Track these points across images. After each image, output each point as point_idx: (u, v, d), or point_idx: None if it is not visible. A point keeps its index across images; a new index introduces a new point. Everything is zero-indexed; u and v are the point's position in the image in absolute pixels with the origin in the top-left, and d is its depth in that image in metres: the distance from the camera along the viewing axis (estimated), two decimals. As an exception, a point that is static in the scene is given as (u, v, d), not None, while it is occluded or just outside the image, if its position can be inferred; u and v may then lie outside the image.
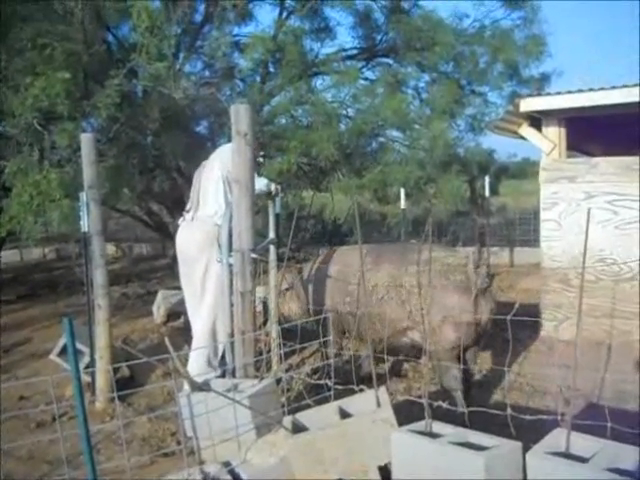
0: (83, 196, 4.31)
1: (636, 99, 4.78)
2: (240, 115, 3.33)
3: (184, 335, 5.26)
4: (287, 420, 2.90)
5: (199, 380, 3.79)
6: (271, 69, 9.69)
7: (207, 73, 9.49)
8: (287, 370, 4.45)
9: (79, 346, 4.35)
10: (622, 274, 5.11)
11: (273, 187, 4.58)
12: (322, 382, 3.14)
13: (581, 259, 5.14)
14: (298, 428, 2.85)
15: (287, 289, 4.81)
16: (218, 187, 4.34)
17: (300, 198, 10.66)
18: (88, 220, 4.32)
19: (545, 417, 2.54)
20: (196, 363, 4.20)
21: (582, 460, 2.25)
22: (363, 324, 3.98)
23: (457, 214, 12.23)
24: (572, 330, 5.19)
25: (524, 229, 11.86)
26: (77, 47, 6.06)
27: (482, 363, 4.67)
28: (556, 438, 2.42)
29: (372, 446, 2.66)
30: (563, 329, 5.30)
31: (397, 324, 3.97)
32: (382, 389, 2.91)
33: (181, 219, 4.56)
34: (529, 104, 5.36)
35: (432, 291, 3.63)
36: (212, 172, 4.39)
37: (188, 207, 4.52)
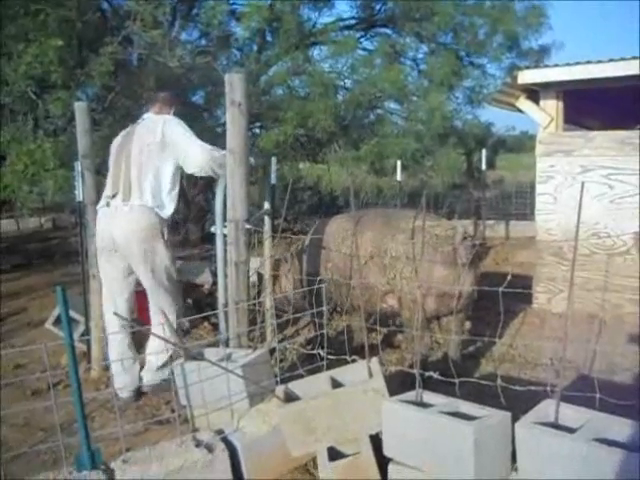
0: (78, 165, 4.29)
1: (635, 72, 4.75)
2: (234, 84, 3.30)
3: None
4: (280, 389, 2.93)
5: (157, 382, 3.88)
6: (268, 38, 9.61)
7: (203, 42, 9.41)
8: (281, 340, 4.48)
9: (74, 315, 4.37)
10: (616, 248, 5.13)
11: (252, 161, 4.06)
12: (315, 352, 3.16)
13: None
14: (290, 397, 2.88)
15: (278, 259, 4.82)
16: (175, 180, 3.87)
17: (296, 169, 10.63)
18: (83, 189, 4.30)
19: (535, 388, 2.57)
20: (157, 359, 3.88)
21: (570, 430, 2.28)
22: (344, 291, 4.02)
23: (453, 187, 12.25)
24: (565, 303, 5.23)
25: (521, 202, 11.89)
26: (71, 14, 5.97)
27: (474, 334, 4.71)
28: (545, 409, 2.45)
29: (363, 416, 2.69)
30: (556, 302, 5.34)
31: (376, 290, 3.99)
32: (374, 360, 2.94)
33: (101, 204, 3.92)
34: (527, 76, 5.31)
35: (417, 262, 3.65)
36: (153, 155, 3.78)
37: (111, 192, 3.85)
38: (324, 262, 4.43)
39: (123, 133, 4.04)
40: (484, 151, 9.79)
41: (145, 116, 4.06)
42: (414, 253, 3.72)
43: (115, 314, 3.65)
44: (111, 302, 3.98)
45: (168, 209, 3.85)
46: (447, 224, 4.04)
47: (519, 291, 2.84)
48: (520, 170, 18.50)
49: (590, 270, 5.13)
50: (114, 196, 3.84)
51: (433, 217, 4.36)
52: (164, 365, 3.86)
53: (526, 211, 11.18)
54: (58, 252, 9.59)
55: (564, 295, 5.25)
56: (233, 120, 3.30)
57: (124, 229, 3.75)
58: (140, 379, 3.95)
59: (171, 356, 3.82)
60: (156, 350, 3.83)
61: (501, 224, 10.43)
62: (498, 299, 2.79)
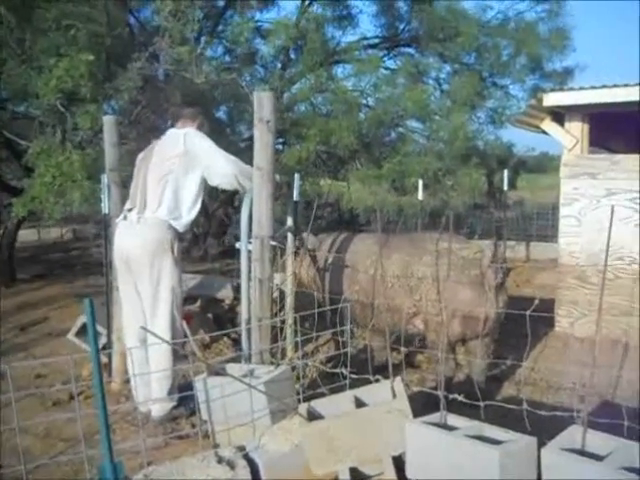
0: (104, 178, 4.34)
1: (661, 96, 4.73)
2: (263, 102, 3.33)
3: (199, 319, 5.31)
4: (302, 407, 2.92)
5: (167, 411, 3.78)
6: (292, 56, 9.67)
7: (228, 58, 9.50)
8: (302, 357, 4.47)
9: (97, 327, 4.39)
10: (641, 273, 5.08)
11: (278, 178, 4.06)
12: (337, 371, 3.15)
13: (600, 256, 5.13)
14: (313, 416, 2.87)
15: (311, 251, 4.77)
16: (199, 192, 3.83)
17: (318, 186, 10.66)
18: (109, 202, 4.34)
19: (561, 414, 2.54)
20: (161, 388, 3.77)
21: (597, 458, 2.25)
22: (371, 312, 4.00)
23: (474, 207, 12.20)
24: (588, 327, 5.18)
25: (541, 224, 11.82)
26: (100, 29, 6.06)
27: (496, 357, 4.67)
28: (572, 435, 2.42)
29: (386, 436, 2.67)
30: (579, 326, 5.28)
31: (404, 312, 3.96)
32: (397, 380, 2.92)
33: (120, 217, 3.92)
34: (552, 99, 5.31)
35: (445, 284, 3.64)
36: (175, 168, 3.75)
37: (129, 205, 3.88)
38: (349, 282, 4.40)
39: (148, 148, 4.05)
40: (506, 171, 9.76)
41: (169, 132, 4.07)
42: (438, 275, 3.70)
43: (142, 328, 3.59)
44: (131, 317, 3.93)
45: (185, 220, 3.80)
46: (475, 246, 4.03)
47: (544, 315, 2.82)
48: (540, 191, 18.42)
49: (614, 295, 5.07)
50: (131, 210, 3.85)
51: (460, 239, 4.34)
52: (170, 392, 3.76)
53: (547, 233, 11.11)
54: (79, 263, 9.68)
55: (587, 319, 5.20)
56: (261, 137, 3.33)
57: (134, 242, 3.74)
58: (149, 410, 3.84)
59: (174, 380, 3.80)
60: (158, 377, 3.73)
61: (522, 245, 10.37)
62: (520, 322, 2.77)
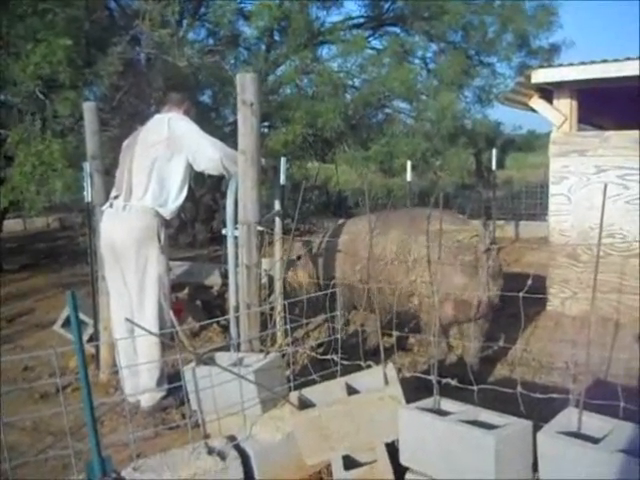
0: (86, 166, 4.25)
1: (652, 71, 4.67)
2: (246, 84, 3.24)
3: (188, 307, 5.24)
4: (293, 395, 2.87)
5: (156, 401, 3.74)
6: (276, 37, 9.54)
7: (211, 41, 9.35)
8: (291, 343, 4.42)
9: (83, 317, 4.32)
10: (631, 249, 5.04)
11: (263, 162, 3.97)
12: (329, 357, 3.10)
13: (590, 234, 5.11)
14: (304, 404, 2.82)
15: (298, 257, 4.73)
16: (184, 178, 3.78)
17: (305, 169, 10.58)
18: (91, 190, 4.26)
19: (557, 396, 2.50)
20: (150, 378, 3.71)
21: (594, 440, 2.22)
22: (372, 291, 3.92)
23: (463, 187, 12.15)
24: (579, 305, 5.16)
25: (530, 202, 11.79)
26: (79, 13, 5.93)
27: (488, 338, 4.64)
28: (567, 417, 2.39)
29: (379, 423, 2.62)
30: (570, 304, 5.26)
31: (402, 288, 3.91)
32: (390, 365, 2.88)
33: (106, 205, 3.88)
34: (540, 75, 5.23)
35: (439, 267, 3.58)
36: (160, 154, 3.70)
37: (115, 193, 3.84)
38: (348, 265, 4.31)
39: (133, 134, 3.98)
40: (494, 151, 9.70)
41: (154, 117, 4.00)
42: (429, 257, 3.64)
43: (127, 320, 3.53)
44: (118, 307, 3.88)
45: (172, 207, 3.76)
46: (472, 229, 3.87)
47: (539, 296, 2.78)
48: (528, 169, 18.40)
49: (605, 272, 5.03)
50: (117, 197, 3.80)
51: (461, 219, 4.16)
52: (159, 382, 3.71)
53: (536, 211, 11.09)
54: (65, 252, 9.57)
55: (578, 297, 5.18)
56: (245, 120, 3.25)
57: (120, 230, 3.69)
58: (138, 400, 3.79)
59: (162, 370, 3.75)
60: (147, 367, 3.67)
61: (511, 224, 10.35)
62: (511, 302, 2.72)
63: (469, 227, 3.92)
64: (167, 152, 3.71)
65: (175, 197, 3.78)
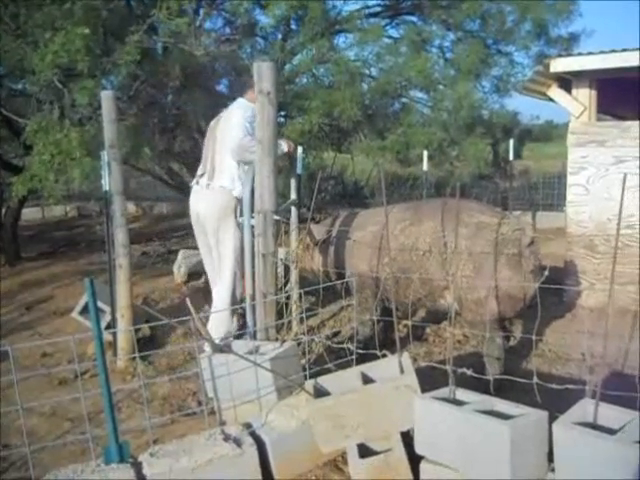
0: (104, 155, 4.27)
1: (672, 60, 4.61)
2: (263, 73, 3.24)
3: (205, 295, 5.27)
4: (309, 384, 2.89)
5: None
6: (293, 26, 9.48)
7: (228, 30, 9.31)
8: (307, 332, 4.43)
9: (100, 305, 4.36)
10: (650, 241, 5.00)
11: (284, 144, 4.28)
12: (344, 346, 3.11)
13: (608, 225, 5.07)
14: (320, 392, 2.84)
15: (316, 243, 4.59)
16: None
17: (320, 159, 10.54)
18: (109, 179, 4.29)
19: (573, 387, 2.49)
20: (216, 329, 4.13)
21: (610, 432, 2.21)
22: (402, 284, 3.85)
23: (480, 177, 12.07)
24: (596, 297, 5.12)
25: (547, 193, 11.70)
26: (96, 2, 5.91)
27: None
28: (583, 408, 2.38)
29: (395, 412, 2.63)
30: (587, 296, 5.23)
31: (435, 283, 3.79)
32: (405, 355, 2.88)
33: (194, 181, 4.46)
34: (560, 65, 5.18)
35: (483, 261, 3.52)
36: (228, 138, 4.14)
37: (201, 171, 4.39)
38: (375, 257, 4.10)
39: (217, 116, 4.45)
40: (511, 141, 9.61)
41: (236, 101, 4.40)
42: (470, 250, 3.54)
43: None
44: (210, 272, 4.52)
45: (239, 188, 4.12)
46: (514, 222, 3.74)
47: (560, 287, 2.76)
48: (545, 160, 18.22)
49: (623, 263, 5.00)
50: (202, 175, 4.34)
51: (497, 212, 4.02)
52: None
53: (553, 202, 11.00)
54: (83, 240, 9.65)
55: (595, 289, 5.14)
56: (262, 110, 3.25)
57: (205, 207, 4.25)
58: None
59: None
60: (215, 324, 4.15)
61: (528, 215, 10.27)
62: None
63: (510, 220, 3.79)
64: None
65: (239, 178, 4.16)
